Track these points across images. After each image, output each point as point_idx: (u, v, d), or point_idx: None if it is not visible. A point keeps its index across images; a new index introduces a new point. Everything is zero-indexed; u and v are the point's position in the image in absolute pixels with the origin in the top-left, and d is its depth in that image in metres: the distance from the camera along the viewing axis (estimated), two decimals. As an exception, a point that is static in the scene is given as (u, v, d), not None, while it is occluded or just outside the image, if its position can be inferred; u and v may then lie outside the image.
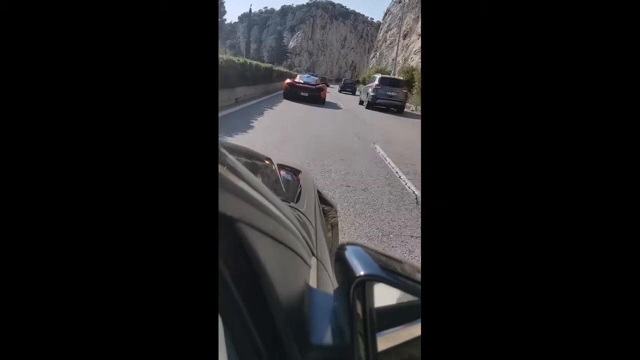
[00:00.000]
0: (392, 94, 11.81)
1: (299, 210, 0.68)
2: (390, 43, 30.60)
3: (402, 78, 13.33)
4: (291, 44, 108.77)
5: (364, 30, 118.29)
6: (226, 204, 0.26)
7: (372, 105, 12.01)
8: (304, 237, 0.51)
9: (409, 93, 12.71)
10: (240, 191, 0.30)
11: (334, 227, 1.05)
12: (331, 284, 0.60)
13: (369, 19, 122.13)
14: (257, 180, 0.39)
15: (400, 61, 24.17)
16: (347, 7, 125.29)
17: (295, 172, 1.08)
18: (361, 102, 14.23)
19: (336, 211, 1.21)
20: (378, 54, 35.01)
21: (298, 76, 12.84)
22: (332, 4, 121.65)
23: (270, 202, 0.38)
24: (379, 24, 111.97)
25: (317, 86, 11.62)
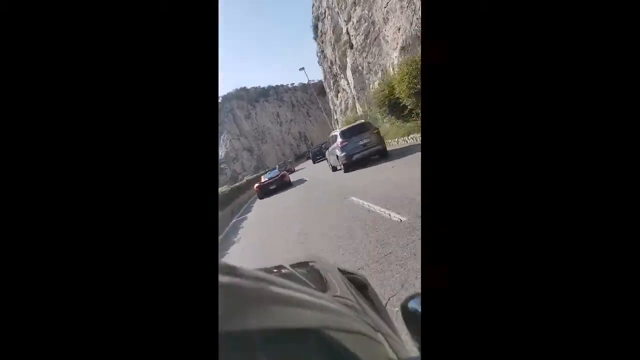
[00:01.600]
0: (364, 141, 11.17)
1: (338, 297, 0.76)
2: (377, 38, 17.46)
3: (363, 121, 12.85)
4: (221, 153, 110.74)
5: (291, 98, 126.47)
6: (307, 318, 0.31)
7: (349, 166, 11.29)
8: (361, 318, 0.60)
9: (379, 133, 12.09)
10: (311, 304, 0.35)
11: (368, 290, 1.12)
12: (404, 348, 0.68)
13: (288, 85, 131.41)
14: (307, 289, 0.44)
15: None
16: (260, 85, 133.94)
17: (310, 263, 1.16)
18: (334, 169, 13.58)
19: (361, 275, 1.25)
20: (349, 72, 23.45)
21: (262, 177, 17.58)
22: (244, 89, 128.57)
23: (327, 301, 0.44)
24: (302, 86, 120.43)
25: (279, 176, 15.98)
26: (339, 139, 11.54)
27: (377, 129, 12.15)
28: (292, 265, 1.08)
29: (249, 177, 31.48)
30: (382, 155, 11.53)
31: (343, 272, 1.06)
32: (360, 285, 1.07)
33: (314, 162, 26.15)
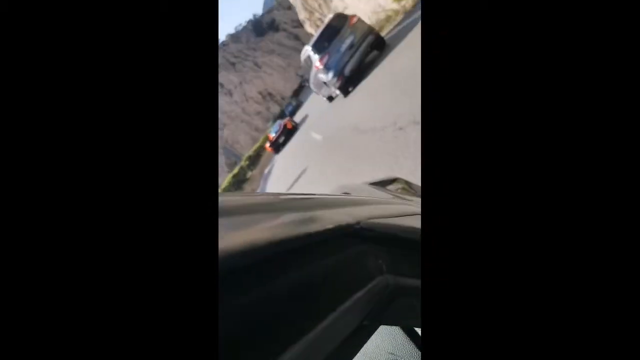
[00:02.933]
0: (348, 41, 8.54)
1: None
2: None
3: (331, 15, 10.02)
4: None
5: (225, 56, 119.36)
6: None
7: (345, 85, 8.89)
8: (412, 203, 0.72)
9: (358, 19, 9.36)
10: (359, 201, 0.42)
11: (397, 181, 1.29)
12: None
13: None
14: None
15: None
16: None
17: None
18: (330, 98, 11.19)
19: (390, 176, 1.44)
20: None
21: (269, 135, 20.76)
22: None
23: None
24: (230, 37, 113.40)
25: (282, 127, 19.13)
26: (315, 58, 8.95)
27: (355, 15, 9.41)
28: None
29: (234, 172, 30.35)
30: (379, 47, 8.94)
31: (373, 183, 1.13)
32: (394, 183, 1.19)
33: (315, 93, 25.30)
